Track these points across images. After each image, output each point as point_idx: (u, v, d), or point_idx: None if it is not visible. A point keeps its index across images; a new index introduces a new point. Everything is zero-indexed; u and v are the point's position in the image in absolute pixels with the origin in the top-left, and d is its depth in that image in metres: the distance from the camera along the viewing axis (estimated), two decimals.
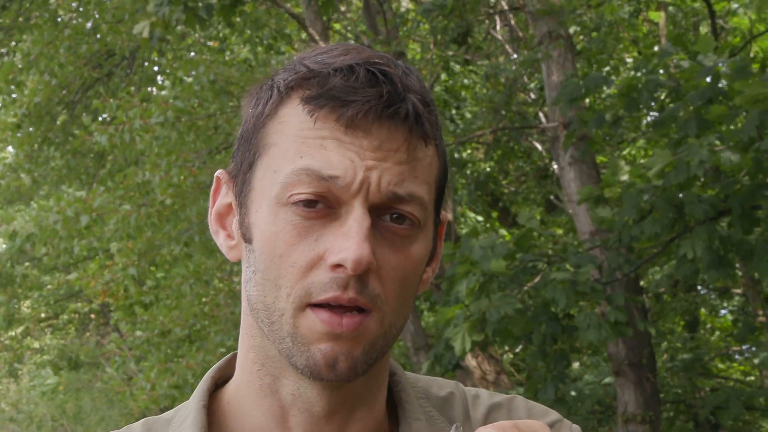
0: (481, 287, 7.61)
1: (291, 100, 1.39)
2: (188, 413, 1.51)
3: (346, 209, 1.34)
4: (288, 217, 1.35)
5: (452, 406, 1.62)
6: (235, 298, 10.72)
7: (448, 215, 1.56)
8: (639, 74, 8.81)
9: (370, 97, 1.33)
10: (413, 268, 1.40)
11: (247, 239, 1.43)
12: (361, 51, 1.40)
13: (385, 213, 1.36)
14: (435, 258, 1.53)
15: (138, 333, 11.19)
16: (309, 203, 1.33)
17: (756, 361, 13.71)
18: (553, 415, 1.66)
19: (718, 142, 7.42)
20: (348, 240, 1.31)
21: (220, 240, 1.52)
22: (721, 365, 17.20)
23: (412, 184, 1.36)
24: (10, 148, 13.44)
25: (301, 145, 1.35)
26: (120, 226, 9.44)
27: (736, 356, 17.29)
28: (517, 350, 13.29)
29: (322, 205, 1.34)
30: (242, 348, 1.50)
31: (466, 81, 16.79)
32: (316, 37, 12.14)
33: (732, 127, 7.97)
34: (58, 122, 12.51)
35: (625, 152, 14.38)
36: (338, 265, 1.31)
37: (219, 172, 1.53)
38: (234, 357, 1.58)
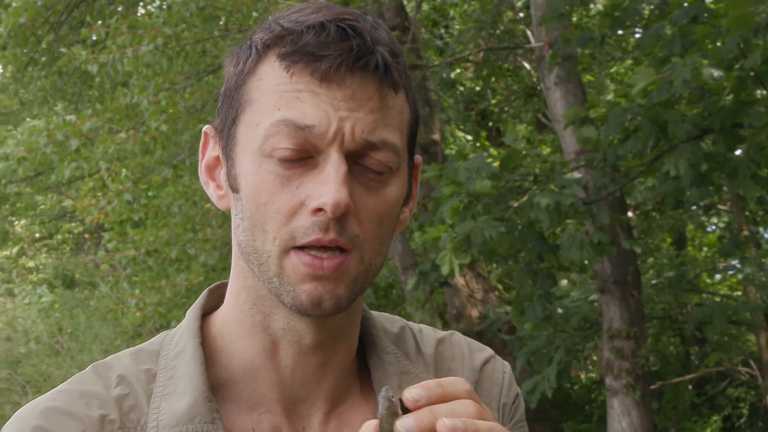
0: (465, 208, 7.65)
1: (268, 58, 1.46)
2: (183, 346, 1.57)
3: (323, 157, 1.40)
4: (270, 167, 1.42)
5: (405, 341, 1.73)
6: (223, 218, 10.76)
7: (420, 158, 1.62)
8: None
9: (341, 50, 1.39)
10: (389, 210, 1.48)
11: (234, 189, 1.50)
12: (331, 8, 1.46)
13: (360, 159, 1.43)
14: (411, 199, 1.61)
15: (124, 251, 11.24)
16: (288, 153, 1.41)
17: (740, 276, 13.80)
18: (487, 351, 1.79)
19: (702, 60, 7.42)
20: (327, 185, 1.38)
21: (210, 191, 1.60)
22: (708, 281, 17.34)
23: (384, 131, 1.43)
24: None
25: (278, 99, 1.42)
26: (111, 150, 9.46)
27: (722, 273, 17.43)
28: (505, 268, 13.36)
29: (301, 156, 1.41)
30: (234, 288, 1.57)
31: (455, 0, 16.70)
32: None
33: (717, 44, 7.97)
34: (44, 43, 12.44)
35: (612, 71, 14.36)
36: (319, 209, 1.38)
37: (206, 128, 1.60)
38: (210, 293, 1.66)
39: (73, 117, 9.49)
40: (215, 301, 1.65)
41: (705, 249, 18.09)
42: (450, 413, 1.18)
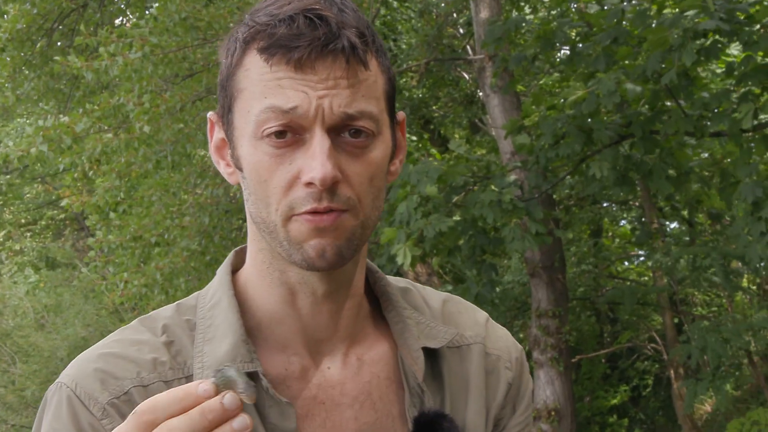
0: (417, 208, 7.76)
1: (250, 51, 1.50)
2: (219, 299, 1.63)
3: (309, 134, 1.44)
4: (264, 148, 1.47)
5: (413, 297, 1.80)
6: (198, 207, 10.77)
7: (402, 114, 1.67)
8: (553, 16, 8.96)
9: (311, 40, 1.43)
10: (376, 170, 1.52)
11: (239, 168, 1.56)
12: None
13: (343, 131, 1.47)
14: (400, 150, 1.66)
15: (110, 237, 11.21)
16: (279, 134, 1.46)
17: (650, 263, 14.05)
18: (483, 312, 1.85)
19: (623, 77, 7.61)
20: (314, 160, 1.42)
21: (222, 168, 1.64)
22: (620, 268, 17.61)
23: (360, 103, 1.47)
24: None
25: (264, 87, 1.46)
26: (99, 148, 9.47)
27: (631, 262, 17.73)
28: (453, 261, 13.50)
29: (290, 135, 1.46)
30: (252, 250, 1.64)
31: (404, 17, 16.77)
32: None
33: (636, 62, 8.17)
34: (38, 47, 12.37)
35: (541, 83, 14.49)
36: (310, 183, 1.44)
37: (210, 114, 1.66)
38: (236, 253, 1.73)
39: (66, 118, 9.48)
40: (239, 261, 1.71)
41: (617, 240, 18.35)
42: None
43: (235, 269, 1.70)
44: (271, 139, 1.46)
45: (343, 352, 1.64)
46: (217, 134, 1.64)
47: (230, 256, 1.73)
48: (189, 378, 1.55)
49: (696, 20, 6.96)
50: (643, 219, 14.24)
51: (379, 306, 1.75)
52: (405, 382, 1.65)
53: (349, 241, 1.50)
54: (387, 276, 1.79)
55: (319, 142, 1.43)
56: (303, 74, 1.44)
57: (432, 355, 1.69)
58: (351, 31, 1.47)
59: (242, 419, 1.19)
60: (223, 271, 1.68)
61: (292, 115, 1.43)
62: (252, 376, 1.52)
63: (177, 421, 1.18)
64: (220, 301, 1.63)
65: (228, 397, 1.19)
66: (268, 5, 1.51)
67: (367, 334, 1.70)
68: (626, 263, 17.87)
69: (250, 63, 1.50)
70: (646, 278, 17.04)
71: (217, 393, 1.19)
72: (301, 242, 1.48)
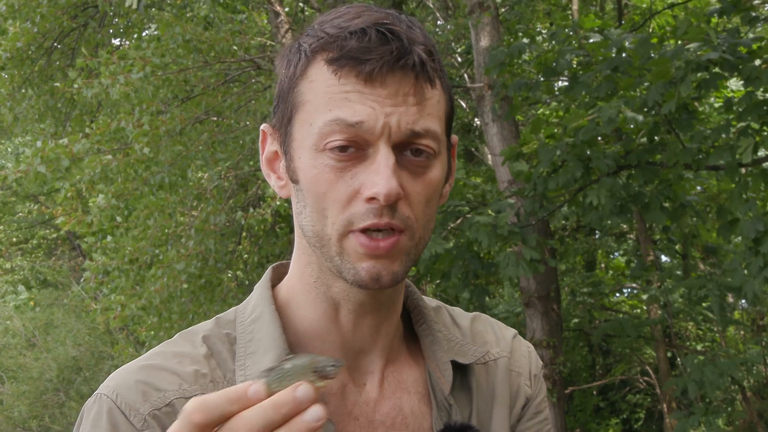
0: None
1: (317, 62, 1.49)
2: (260, 313, 1.63)
3: (373, 150, 1.44)
4: (326, 160, 1.46)
5: (443, 315, 1.81)
6: (199, 232, 10.72)
7: (456, 138, 1.68)
8: (554, 44, 8.95)
9: (382, 54, 1.43)
10: (434, 191, 1.52)
11: (294, 180, 1.54)
12: (370, 12, 1.51)
13: (406, 149, 1.47)
14: (451, 174, 1.66)
15: (104, 259, 11.15)
16: (342, 148, 1.45)
17: (644, 296, 14.03)
18: (512, 329, 1.86)
19: (624, 106, 7.60)
20: (378, 175, 1.42)
21: (272, 182, 1.64)
22: (613, 299, 17.59)
23: (426, 121, 1.47)
24: None
25: (329, 100, 1.45)
26: (99, 170, 9.44)
27: (622, 294, 17.72)
28: (446, 284, 13.47)
29: (353, 149, 1.45)
30: (299, 264, 1.62)
31: None
32: None
33: (636, 92, 8.17)
34: (37, 67, 12.40)
35: (539, 111, 14.53)
36: (372, 198, 1.43)
37: (263, 126, 1.64)
38: (274, 269, 1.73)
39: (65, 140, 9.46)
40: (277, 276, 1.71)
41: (610, 271, 18.35)
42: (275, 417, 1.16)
43: (274, 284, 1.70)
44: (333, 152, 1.45)
45: (379, 369, 1.65)
46: (269, 147, 1.63)
47: (269, 271, 1.73)
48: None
49: (698, 53, 6.95)
50: (639, 252, 14.21)
51: (410, 321, 1.76)
52: (432, 396, 1.65)
53: (404, 264, 1.50)
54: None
55: (384, 158, 1.43)
56: (372, 88, 1.44)
57: (461, 370, 1.70)
58: (420, 48, 1.48)
59: (315, 411, 1.16)
60: (263, 286, 1.68)
61: (358, 129, 1.43)
62: None
63: (251, 414, 1.15)
64: (261, 315, 1.63)
65: (301, 389, 1.15)
66: (335, 18, 1.51)
67: (401, 350, 1.71)
68: (617, 295, 17.85)
69: (315, 74, 1.49)
70: (639, 311, 17.02)
71: (268, 395, 1.17)
72: (355, 262, 1.48)
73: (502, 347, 1.79)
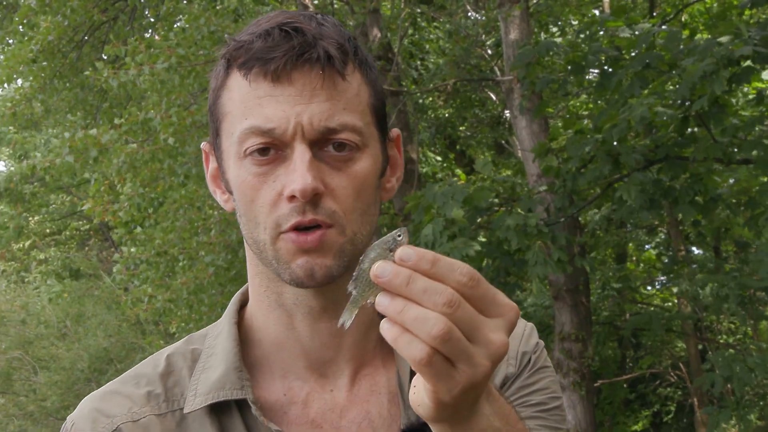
0: (442, 231, 7.71)
1: (232, 70, 1.52)
2: (222, 328, 1.66)
3: (290, 150, 1.46)
4: (248, 167, 1.49)
5: None
6: (225, 223, 10.77)
7: (396, 131, 1.67)
8: (581, 39, 8.90)
9: (286, 50, 1.45)
10: (362, 183, 1.51)
11: (229, 191, 1.58)
12: (281, 15, 1.52)
13: (326, 144, 1.48)
14: (395, 166, 1.67)
15: (133, 250, 11.24)
16: (261, 151, 1.47)
17: (675, 290, 13.94)
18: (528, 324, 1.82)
19: (656, 100, 7.56)
20: (294, 174, 1.44)
21: (218, 197, 1.66)
22: (644, 292, 17.49)
23: (342, 116, 1.48)
24: (20, 81, 13.37)
25: (244, 108, 1.48)
26: (126, 159, 9.49)
27: (653, 287, 17.61)
28: None
29: (273, 151, 1.47)
30: (250, 275, 1.65)
31: (431, 37, 16.78)
32: None
33: (667, 86, 8.12)
34: (68, 59, 12.47)
35: (570, 104, 14.45)
36: (292, 197, 1.44)
37: (203, 144, 1.68)
38: (248, 287, 1.72)
39: (94, 130, 9.52)
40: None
41: (641, 264, 18.24)
42: (421, 292, 1.14)
43: (246, 300, 1.71)
44: (254, 157, 1.47)
45: (349, 374, 1.64)
46: (212, 164, 1.66)
47: (242, 289, 1.74)
48: (182, 409, 1.57)
49: (730, 47, 6.88)
50: (670, 245, 14.13)
51: None
52: (400, 398, 1.62)
53: (337, 258, 1.49)
54: None
55: (299, 156, 1.44)
56: (281, 88, 1.45)
57: None
58: (328, 42, 1.48)
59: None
60: (232, 302, 1.71)
61: (271, 135, 1.45)
62: (240, 404, 1.55)
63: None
64: (221, 330, 1.66)
65: (376, 268, 1.16)
66: (250, 26, 1.53)
67: (375, 355, 1.67)
68: (649, 288, 17.75)
69: (233, 83, 1.51)
70: (670, 304, 16.91)
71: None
72: (289, 261, 1.48)
73: None
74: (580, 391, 10.43)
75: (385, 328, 1.16)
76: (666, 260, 13.12)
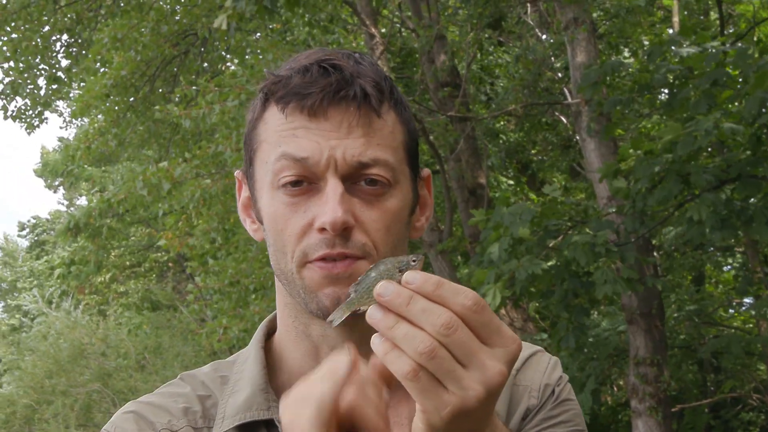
0: (507, 250, 7.70)
1: (270, 104, 1.56)
2: (249, 354, 1.70)
3: (323, 182, 1.48)
4: (281, 198, 1.51)
5: None
6: None
7: (427, 171, 1.70)
8: (650, 64, 8.83)
9: (323, 87, 1.48)
10: (392, 219, 1.53)
11: (260, 221, 1.61)
12: (320, 53, 1.56)
13: (358, 179, 1.50)
14: (424, 206, 1.70)
15: (208, 281, 11.39)
16: (294, 183, 1.49)
17: (753, 312, 13.69)
18: (536, 348, 1.83)
19: (722, 118, 7.45)
20: (326, 206, 1.45)
21: (247, 226, 1.70)
22: (723, 314, 17.19)
23: (375, 151, 1.50)
24: (100, 116, 13.68)
25: (279, 137, 1.51)
26: (198, 193, 9.65)
27: (736, 309, 17.29)
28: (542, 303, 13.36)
29: (305, 183, 1.49)
30: (279, 306, 1.69)
31: (499, 61, 16.79)
32: (367, 22, 12.21)
33: (736, 104, 8.00)
34: (141, 93, 12.73)
35: (641, 126, 14.32)
36: (323, 228, 1.46)
37: (237, 173, 1.72)
38: (273, 315, 1.77)
39: (165, 163, 9.71)
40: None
41: (720, 286, 17.95)
42: (420, 312, 1.17)
43: (274, 327, 1.75)
44: (286, 188, 1.50)
45: None
46: (244, 193, 1.70)
47: (269, 316, 1.78)
48: (212, 426, 1.62)
49: None
50: (748, 266, 13.88)
51: None
52: None
53: None
54: None
55: (331, 189, 1.46)
56: (317, 122, 1.48)
57: None
58: (365, 80, 1.51)
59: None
60: (259, 329, 1.76)
61: (304, 164, 1.47)
62: (268, 425, 1.58)
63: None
64: (249, 356, 1.70)
65: (379, 287, 1.20)
66: (289, 61, 1.58)
67: (402, 385, 1.65)
68: (731, 311, 17.44)
69: (269, 115, 1.55)
70: (750, 326, 16.60)
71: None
72: (316, 290, 1.50)
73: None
74: (656, 416, 10.26)
75: (376, 343, 1.19)
76: (741, 281, 12.87)
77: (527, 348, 1.82)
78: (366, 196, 1.50)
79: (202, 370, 1.76)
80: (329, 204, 1.45)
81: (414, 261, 1.24)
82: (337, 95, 1.48)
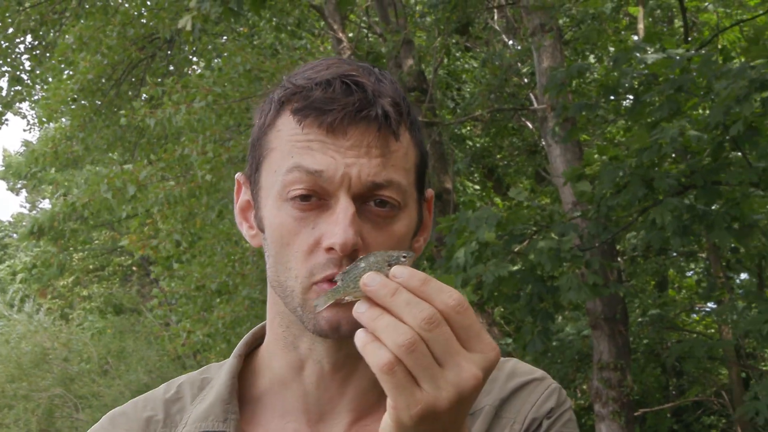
0: (474, 254, 7.72)
1: (284, 112, 1.51)
2: (227, 361, 1.69)
3: (334, 200, 1.44)
4: (289, 210, 1.47)
5: None
6: (259, 255, 10.85)
7: (431, 192, 1.67)
8: (615, 69, 8.90)
9: (345, 105, 1.44)
10: (397, 243, 1.50)
11: (261, 229, 1.57)
12: (340, 65, 1.52)
13: (369, 200, 1.46)
14: (425, 228, 1.66)
15: (173, 285, 11.34)
16: (304, 197, 1.45)
17: (714, 317, 13.81)
18: (535, 375, 1.73)
19: (687, 125, 7.52)
20: (336, 226, 1.41)
21: (244, 230, 1.66)
22: (686, 319, 17.34)
23: (389, 173, 1.47)
24: (64, 119, 13.59)
25: (292, 147, 1.47)
26: (163, 195, 9.61)
27: (698, 314, 17.44)
28: (509, 308, 13.39)
29: (315, 198, 1.45)
30: (270, 314, 1.65)
31: (466, 66, 16.83)
32: (334, 26, 12.22)
33: (699, 111, 8.08)
34: (107, 98, 12.66)
35: (606, 131, 14.41)
36: (331, 248, 1.42)
37: (238, 175, 1.68)
38: (264, 324, 1.73)
39: (130, 166, 9.67)
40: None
41: (683, 291, 18.08)
42: (404, 304, 1.17)
43: (262, 336, 1.73)
44: (295, 201, 1.46)
45: (348, 422, 1.62)
46: (243, 196, 1.65)
47: (257, 327, 1.75)
48: None
49: (762, 70, 6.86)
50: (710, 271, 14.01)
51: None
52: None
53: None
54: None
55: (343, 209, 1.43)
56: (334, 138, 1.44)
57: None
58: (386, 100, 1.48)
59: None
60: (245, 337, 1.73)
61: (317, 177, 1.44)
62: None
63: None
64: (226, 362, 1.69)
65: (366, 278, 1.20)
66: (306, 69, 1.53)
67: (380, 405, 1.64)
68: (693, 315, 17.59)
69: (282, 124, 1.50)
70: (713, 330, 16.74)
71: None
72: (316, 313, 1.46)
73: (495, 397, 1.66)
74: (619, 420, 10.33)
75: (358, 336, 1.19)
76: (704, 286, 12.99)
77: (524, 374, 1.72)
78: (375, 217, 1.47)
79: (191, 373, 1.75)
80: (340, 225, 1.41)
81: (404, 257, 1.25)
82: (359, 114, 1.45)
